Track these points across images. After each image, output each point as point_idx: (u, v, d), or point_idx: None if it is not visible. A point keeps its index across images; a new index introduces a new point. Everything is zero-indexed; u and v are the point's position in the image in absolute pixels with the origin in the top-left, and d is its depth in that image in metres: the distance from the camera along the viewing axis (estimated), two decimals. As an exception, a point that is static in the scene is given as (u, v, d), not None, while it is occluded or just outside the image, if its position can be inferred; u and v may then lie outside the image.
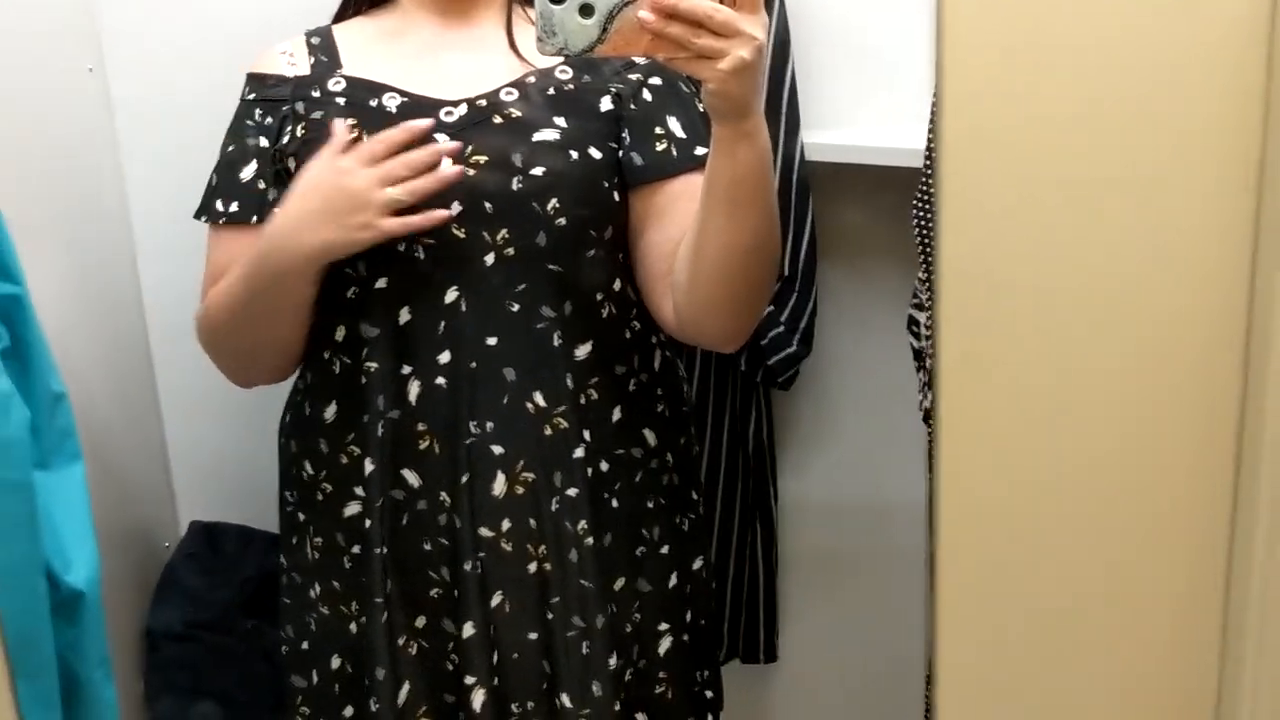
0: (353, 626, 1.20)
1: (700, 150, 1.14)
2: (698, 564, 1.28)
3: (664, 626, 1.24)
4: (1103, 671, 0.81)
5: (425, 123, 1.07)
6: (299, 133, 1.16)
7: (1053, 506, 0.78)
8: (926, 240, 1.31)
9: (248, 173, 1.18)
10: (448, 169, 1.05)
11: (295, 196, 1.08)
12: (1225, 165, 0.71)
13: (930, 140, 1.28)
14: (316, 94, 1.17)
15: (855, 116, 1.50)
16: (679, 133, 1.16)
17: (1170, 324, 0.74)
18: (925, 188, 1.31)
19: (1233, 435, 0.75)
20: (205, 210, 1.21)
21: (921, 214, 1.31)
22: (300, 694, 1.25)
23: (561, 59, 1.17)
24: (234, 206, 1.18)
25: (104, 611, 1.09)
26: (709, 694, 1.30)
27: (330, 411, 1.18)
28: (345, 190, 1.05)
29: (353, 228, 1.05)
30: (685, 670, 1.26)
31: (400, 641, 1.17)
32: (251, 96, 1.21)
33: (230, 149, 1.20)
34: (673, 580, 1.24)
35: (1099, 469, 0.77)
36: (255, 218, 1.17)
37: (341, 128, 1.08)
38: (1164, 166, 0.72)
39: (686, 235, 1.09)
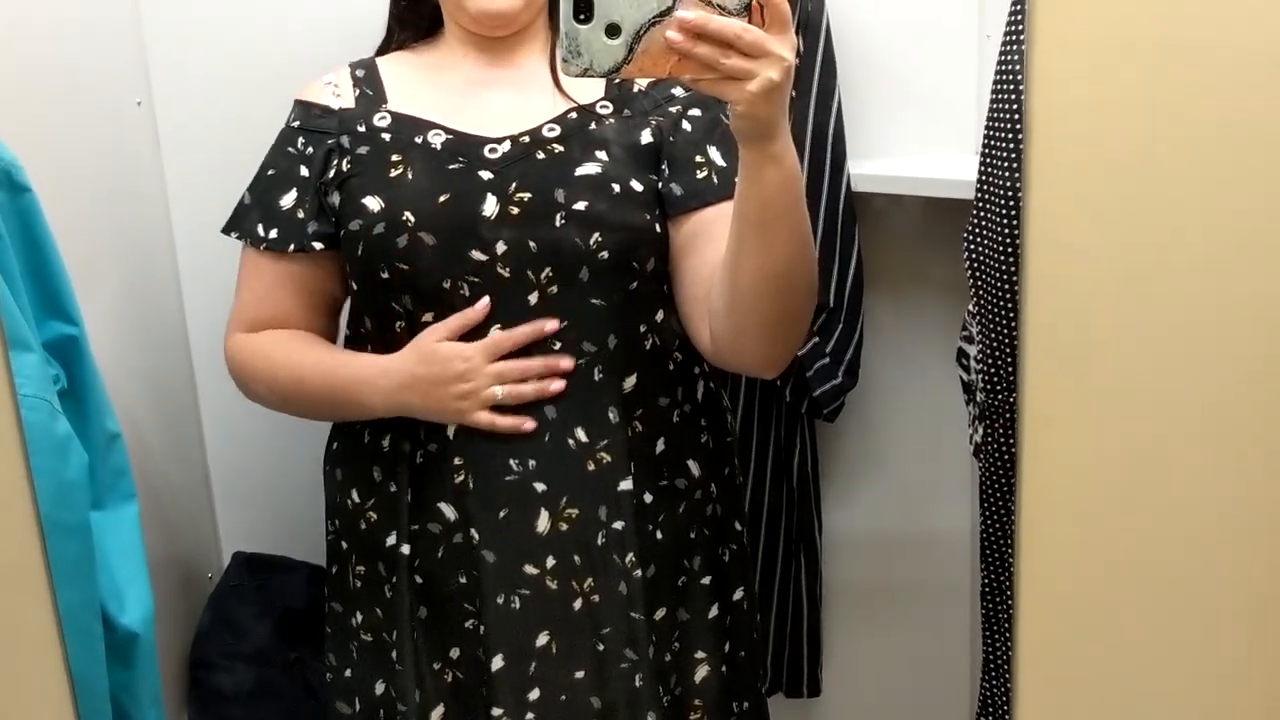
0: (394, 654, 1.20)
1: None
2: (738, 595, 1.28)
3: (700, 655, 1.24)
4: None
5: (552, 324, 1.12)
6: (344, 167, 1.17)
7: (1136, 573, 0.77)
8: (978, 272, 1.30)
9: (288, 200, 1.19)
10: (555, 385, 1.13)
11: (412, 358, 1.13)
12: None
13: (983, 171, 1.27)
14: (362, 128, 1.18)
15: (902, 147, 1.49)
16: (719, 161, 1.17)
17: (1265, 378, 0.73)
18: (977, 219, 1.30)
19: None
20: (241, 229, 1.22)
21: (973, 246, 1.30)
22: None
23: (602, 94, 1.18)
24: (274, 233, 1.19)
25: (156, 650, 1.09)
26: None
27: (385, 441, 1.19)
28: (461, 376, 1.11)
29: (449, 410, 1.13)
30: (722, 701, 1.26)
31: (436, 667, 1.18)
32: (296, 124, 1.21)
33: (270, 172, 1.21)
34: (713, 611, 1.24)
35: (1185, 534, 0.76)
36: (292, 246, 1.18)
37: (479, 311, 1.12)
38: (1258, 215, 0.71)
39: (721, 261, 1.09)
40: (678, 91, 1.19)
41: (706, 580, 1.24)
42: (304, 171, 1.19)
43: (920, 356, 1.55)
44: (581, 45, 0.88)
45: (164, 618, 1.44)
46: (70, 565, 0.93)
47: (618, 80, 0.92)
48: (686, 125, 1.18)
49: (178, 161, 1.49)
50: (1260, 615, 0.77)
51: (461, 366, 1.11)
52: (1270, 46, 0.69)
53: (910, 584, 1.64)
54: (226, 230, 1.23)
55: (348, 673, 1.25)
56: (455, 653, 1.18)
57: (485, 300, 1.12)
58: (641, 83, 1.19)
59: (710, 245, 1.13)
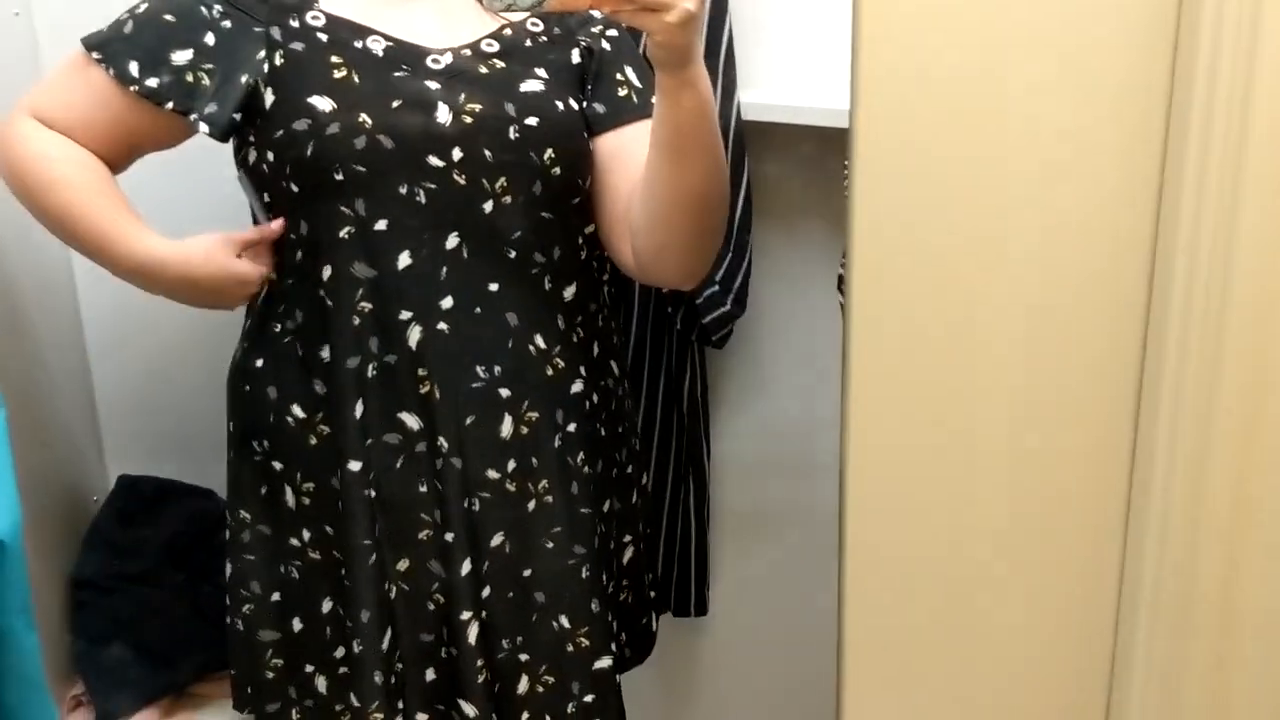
0: (342, 571, 1.20)
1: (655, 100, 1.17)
2: (644, 479, 1.38)
3: (627, 539, 1.33)
4: (1001, 639, 0.84)
5: (278, 224, 1.17)
6: (277, 61, 1.13)
7: (955, 499, 0.80)
8: (858, 200, 1.32)
9: (180, 57, 1.14)
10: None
11: (200, 265, 1.18)
12: (1131, 141, 0.73)
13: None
14: (295, 24, 1.14)
15: (789, 77, 1.51)
16: (635, 81, 1.21)
17: (1073, 302, 0.76)
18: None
19: (1131, 404, 0.77)
20: (108, 55, 1.14)
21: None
22: (270, 647, 1.25)
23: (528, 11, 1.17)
24: (152, 82, 1.14)
25: (25, 560, 1.08)
26: (653, 594, 1.41)
27: (324, 353, 1.16)
28: (241, 284, 1.20)
29: (209, 305, 1.22)
30: (639, 576, 1.36)
31: (386, 587, 1.19)
32: None
33: (168, 18, 1.14)
34: (634, 496, 1.33)
35: (1002, 436, 0.80)
36: (171, 104, 1.14)
37: (275, 230, 1.17)
38: (1071, 143, 0.73)
39: (640, 181, 1.12)
40: (597, 12, 1.19)
41: (630, 469, 1.33)
42: (209, 39, 1.14)
43: (807, 285, 1.58)
44: None
45: (46, 538, 1.44)
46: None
47: (543, 10, 0.94)
48: (605, 44, 1.21)
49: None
50: (1073, 560, 0.81)
51: (241, 287, 1.19)
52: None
53: (795, 506, 1.68)
54: (91, 47, 1.14)
55: (275, 596, 1.24)
56: (403, 564, 1.18)
57: (280, 221, 1.16)
58: None
59: (629, 163, 1.16)
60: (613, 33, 1.22)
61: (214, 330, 1.43)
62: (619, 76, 1.21)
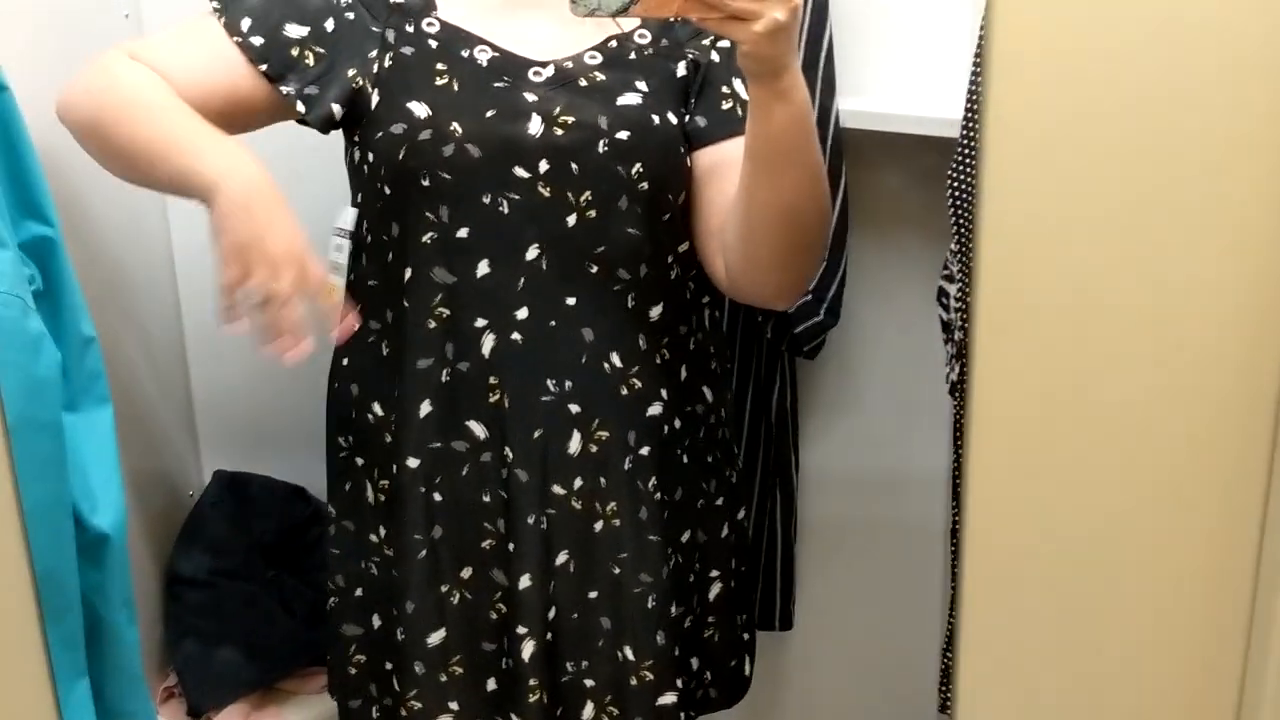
0: (397, 573, 1.20)
1: None
2: (741, 514, 1.33)
3: (715, 574, 1.28)
4: (1125, 656, 0.81)
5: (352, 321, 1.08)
6: (386, 64, 1.14)
7: (1081, 492, 0.78)
8: (960, 212, 1.30)
9: (294, 32, 1.13)
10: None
11: (258, 202, 1.02)
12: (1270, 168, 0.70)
13: (968, 112, 1.27)
14: (410, 29, 1.15)
15: (890, 84, 1.48)
16: (743, 94, 1.16)
17: (1213, 317, 0.73)
18: (961, 159, 1.30)
19: (1269, 430, 0.74)
20: (225, 8, 1.13)
21: (956, 185, 1.30)
22: (355, 642, 1.26)
23: (640, 22, 1.17)
24: (256, 40, 1.12)
25: (128, 555, 1.11)
26: (746, 636, 1.36)
27: (405, 356, 1.17)
28: (274, 263, 1.00)
29: (219, 243, 1.02)
30: (730, 615, 1.31)
31: (443, 589, 1.18)
32: None
33: None
34: (724, 530, 1.29)
35: (1131, 457, 0.77)
36: (265, 67, 1.12)
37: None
38: (1211, 159, 0.71)
39: (735, 194, 1.10)
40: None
41: (720, 502, 1.28)
42: (329, 25, 1.14)
43: (902, 295, 1.55)
44: None
45: (143, 533, 1.46)
46: (40, 462, 0.93)
47: (628, 15, 0.93)
48: (715, 56, 1.19)
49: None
50: (1213, 560, 0.78)
51: (281, 255, 1.00)
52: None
53: (883, 520, 1.65)
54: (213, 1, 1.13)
55: (358, 592, 1.25)
56: (467, 572, 1.19)
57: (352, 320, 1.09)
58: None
59: (728, 177, 1.14)
60: (724, 44, 1.18)
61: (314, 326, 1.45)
62: (724, 90, 1.17)
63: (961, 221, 1.30)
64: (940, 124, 1.36)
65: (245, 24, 1.13)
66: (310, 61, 1.14)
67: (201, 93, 1.10)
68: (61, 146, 1.08)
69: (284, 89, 1.13)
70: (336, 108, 1.14)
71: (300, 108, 1.14)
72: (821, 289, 1.49)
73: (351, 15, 1.15)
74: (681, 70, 1.17)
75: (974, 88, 1.25)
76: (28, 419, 0.91)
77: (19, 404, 0.90)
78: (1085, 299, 0.75)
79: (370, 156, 1.15)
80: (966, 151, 1.27)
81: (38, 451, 0.93)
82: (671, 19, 0.99)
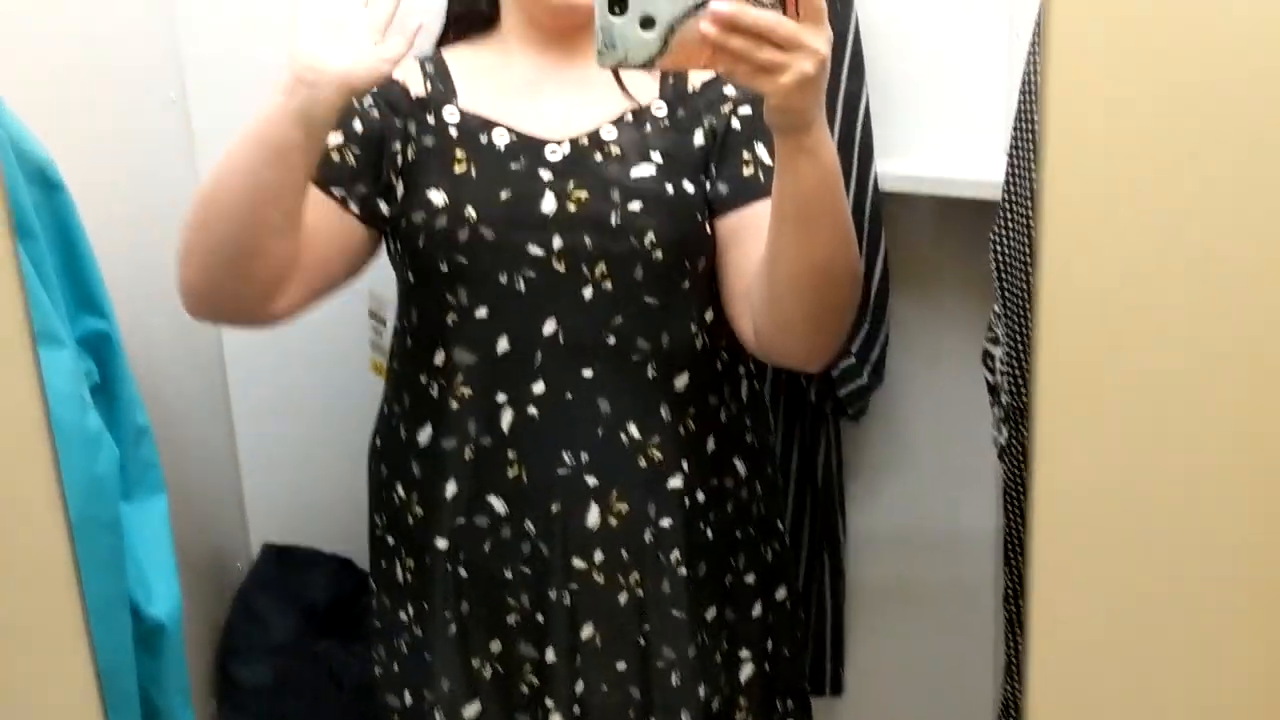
0: (429, 648, 1.21)
1: None
2: (781, 594, 1.29)
3: (745, 654, 1.25)
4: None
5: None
6: (409, 155, 1.17)
7: (1151, 563, 0.77)
8: (1004, 275, 1.29)
9: (332, 140, 1.14)
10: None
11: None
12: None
13: (1010, 173, 1.26)
14: (431, 120, 1.18)
15: (930, 145, 1.48)
16: (765, 159, 1.16)
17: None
18: (1003, 221, 1.29)
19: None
20: None
21: (999, 247, 1.29)
22: (396, 713, 1.27)
23: (657, 94, 1.19)
24: None
25: (183, 639, 1.11)
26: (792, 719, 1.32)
27: (424, 436, 1.19)
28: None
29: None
30: (765, 699, 1.28)
31: (475, 663, 1.19)
32: (375, 90, 1.15)
33: None
34: (757, 609, 1.26)
35: (1199, 518, 0.76)
36: (314, 178, 1.10)
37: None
38: (1273, 212, 0.70)
39: (762, 255, 1.09)
40: (729, 90, 1.19)
41: (751, 579, 1.25)
42: (358, 127, 1.16)
43: (946, 357, 1.54)
44: (616, 37, 0.88)
45: (193, 609, 1.46)
46: (101, 559, 0.94)
47: (654, 73, 0.92)
48: (735, 124, 1.18)
49: (211, 156, 1.49)
50: (1275, 625, 0.77)
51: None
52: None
53: (934, 585, 1.64)
54: None
55: (395, 667, 1.26)
56: (496, 646, 1.19)
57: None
58: (695, 83, 1.19)
59: (753, 240, 1.13)
60: (745, 111, 1.18)
61: (356, 402, 1.46)
62: (745, 155, 1.17)
63: (1005, 284, 1.29)
64: (980, 186, 1.36)
65: None
66: (351, 161, 1.16)
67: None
68: (114, 238, 1.10)
69: (335, 191, 1.14)
70: (382, 203, 1.16)
71: (355, 208, 1.16)
72: (865, 351, 1.49)
73: (375, 112, 1.17)
74: (699, 139, 1.17)
75: (1015, 149, 1.25)
76: (88, 517, 0.92)
77: (80, 502, 0.91)
78: (1150, 367, 0.74)
79: (397, 246, 1.18)
80: (1009, 214, 1.27)
81: (98, 549, 0.94)
82: (701, 71, 0.98)
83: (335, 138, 1.16)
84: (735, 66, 0.90)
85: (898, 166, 1.46)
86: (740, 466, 1.24)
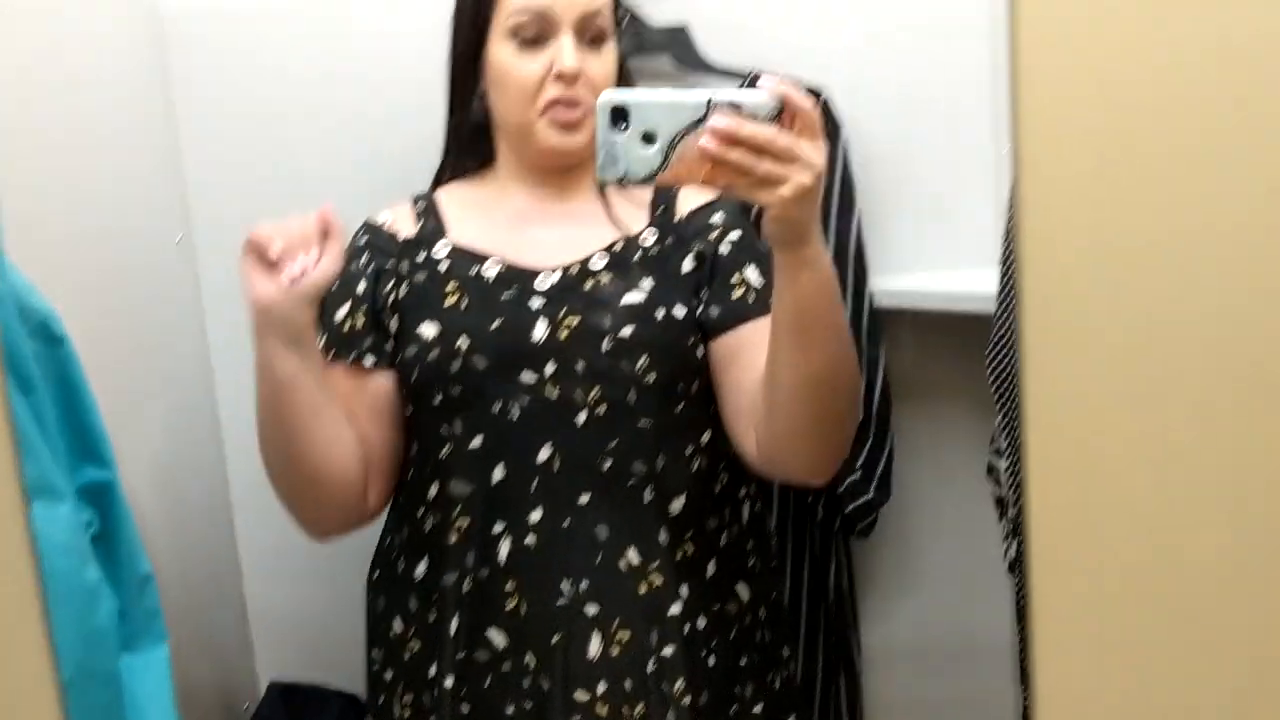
0: None
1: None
2: None
3: None
4: None
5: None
6: (401, 293, 1.20)
7: (1155, 682, 0.76)
8: (1002, 388, 1.29)
9: (341, 313, 1.20)
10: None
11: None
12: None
13: (1003, 288, 1.27)
14: (421, 258, 1.21)
15: (923, 262, 1.50)
16: (755, 280, 1.18)
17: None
18: (998, 335, 1.30)
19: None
20: None
21: (996, 360, 1.30)
22: None
23: (647, 222, 1.21)
24: (320, 342, 1.18)
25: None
26: None
27: (421, 569, 1.19)
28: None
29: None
30: None
31: None
32: (362, 242, 1.24)
33: (334, 288, 1.18)
34: None
35: (1199, 627, 0.75)
36: (332, 354, 1.19)
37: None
38: (1248, 321, 0.71)
39: (763, 369, 1.10)
40: (716, 218, 1.21)
41: (758, 709, 1.22)
42: (360, 288, 1.21)
43: (952, 470, 1.54)
44: (619, 153, 0.91)
45: (200, 750, 1.45)
46: (100, 713, 0.93)
47: (657, 184, 0.95)
48: (724, 248, 1.20)
49: (217, 298, 1.53)
50: None
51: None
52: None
53: (952, 700, 1.60)
54: None
55: None
56: None
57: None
58: (683, 211, 1.22)
59: (750, 358, 1.14)
60: (733, 236, 1.20)
61: (361, 539, 1.45)
62: (735, 278, 1.18)
63: (1004, 396, 1.29)
64: (974, 299, 1.37)
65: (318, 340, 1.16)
66: (359, 324, 1.20)
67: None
68: (117, 384, 1.11)
69: (363, 360, 1.19)
70: (388, 345, 1.19)
71: (369, 363, 1.19)
72: (870, 467, 1.48)
73: (370, 266, 1.21)
74: (689, 265, 1.19)
75: (1006, 260, 1.26)
76: (86, 670, 0.92)
77: (78, 655, 0.90)
78: (1141, 483, 0.74)
79: (398, 382, 1.20)
80: (1003, 325, 1.28)
81: (95, 702, 0.93)
82: (700, 186, 1.01)
83: (343, 309, 1.20)
84: (735, 180, 0.92)
85: (893, 283, 1.48)
86: (743, 591, 1.22)
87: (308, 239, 1.04)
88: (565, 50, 1.15)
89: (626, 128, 0.91)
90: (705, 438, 1.19)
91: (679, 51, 1.45)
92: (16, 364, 0.92)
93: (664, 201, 1.23)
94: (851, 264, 1.45)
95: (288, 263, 1.02)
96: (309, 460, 1.13)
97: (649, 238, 1.21)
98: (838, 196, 1.45)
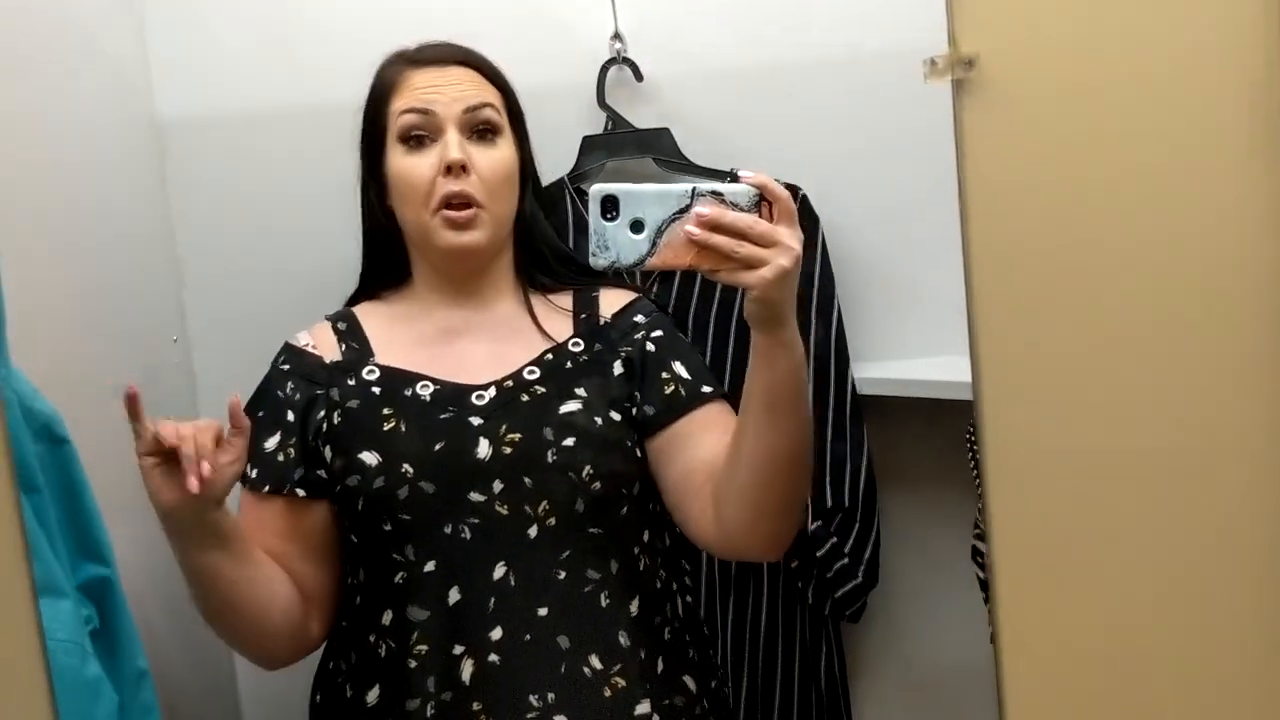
0: None
1: (706, 388, 1.21)
2: None
3: None
4: None
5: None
6: (335, 421, 1.20)
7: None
8: (983, 475, 1.32)
9: (271, 443, 1.21)
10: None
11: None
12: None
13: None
14: (351, 382, 1.22)
15: (905, 350, 1.54)
16: (684, 374, 1.22)
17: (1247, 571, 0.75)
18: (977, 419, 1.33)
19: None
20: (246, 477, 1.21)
21: (975, 445, 1.33)
22: None
23: (572, 332, 1.25)
24: (253, 473, 1.20)
25: None
26: None
27: (373, 695, 1.17)
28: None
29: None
30: None
31: None
32: (286, 367, 1.24)
33: (260, 414, 1.22)
34: None
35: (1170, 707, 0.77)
36: (267, 487, 1.20)
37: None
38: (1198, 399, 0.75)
39: (728, 446, 1.13)
40: (639, 319, 1.25)
41: None
42: (290, 416, 1.21)
43: (939, 553, 1.56)
44: (609, 240, 0.98)
45: None
46: (96, 809, 0.94)
47: (642, 271, 1.01)
48: (650, 347, 1.24)
49: (212, 393, 1.55)
50: None
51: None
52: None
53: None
54: None
55: None
56: None
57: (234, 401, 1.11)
58: (606, 315, 1.26)
59: (696, 442, 1.18)
60: (658, 334, 1.24)
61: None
62: (665, 375, 1.22)
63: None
64: (953, 387, 1.41)
65: (250, 471, 1.20)
66: (292, 453, 1.20)
67: (286, 555, 1.20)
68: (117, 482, 1.13)
69: (286, 491, 1.20)
70: (320, 473, 1.19)
71: (301, 492, 1.20)
72: (858, 552, 1.50)
73: (298, 395, 1.22)
74: (618, 369, 1.22)
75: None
76: (86, 766, 0.92)
77: (78, 752, 0.91)
78: (1105, 550, 0.77)
79: (337, 510, 1.20)
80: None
81: (95, 798, 0.93)
82: (686, 269, 1.06)
83: (273, 440, 1.21)
84: (719, 264, 0.98)
85: (874, 370, 1.52)
86: (690, 683, 1.22)
87: (211, 442, 1.06)
88: (451, 144, 1.19)
89: (616, 217, 0.97)
90: (646, 536, 1.22)
91: (663, 151, 1.51)
92: (21, 466, 0.94)
93: (586, 307, 1.26)
94: (834, 353, 1.49)
95: (190, 471, 1.04)
96: (244, 619, 1.17)
97: (576, 345, 1.23)
98: (817, 289, 1.49)
